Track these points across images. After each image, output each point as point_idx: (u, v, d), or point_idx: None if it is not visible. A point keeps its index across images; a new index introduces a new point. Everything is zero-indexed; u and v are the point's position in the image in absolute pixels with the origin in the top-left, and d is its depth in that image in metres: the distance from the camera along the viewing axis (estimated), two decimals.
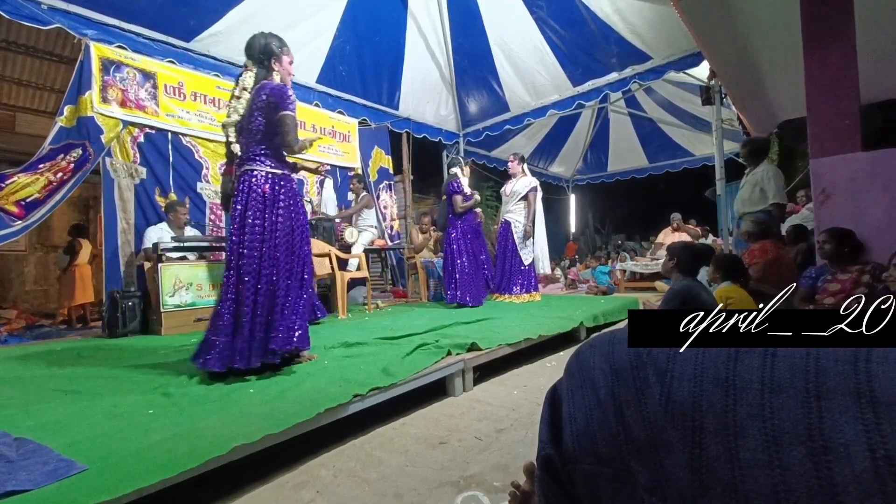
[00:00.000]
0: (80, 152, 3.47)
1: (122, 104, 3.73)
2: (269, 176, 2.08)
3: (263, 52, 2.11)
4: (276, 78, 2.15)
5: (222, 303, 1.97)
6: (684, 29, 3.33)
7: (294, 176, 2.21)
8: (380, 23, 4.98)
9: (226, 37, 4.21)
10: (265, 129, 2.07)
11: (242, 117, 2.12)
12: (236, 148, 2.13)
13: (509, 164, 5.11)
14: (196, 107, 4.22)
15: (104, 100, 3.63)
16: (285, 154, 2.16)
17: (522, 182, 4.95)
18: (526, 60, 5.30)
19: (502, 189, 5.18)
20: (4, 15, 3.12)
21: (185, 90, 4.15)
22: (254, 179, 2.05)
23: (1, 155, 5.65)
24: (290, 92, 2.07)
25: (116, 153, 3.74)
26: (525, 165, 5.15)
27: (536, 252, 5.04)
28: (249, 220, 2.00)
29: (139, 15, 3.75)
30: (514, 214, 4.93)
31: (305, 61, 4.83)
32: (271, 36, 2.15)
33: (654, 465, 0.37)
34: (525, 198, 4.91)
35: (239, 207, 2.03)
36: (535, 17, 4.81)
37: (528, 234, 4.91)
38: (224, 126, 2.16)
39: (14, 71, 5.18)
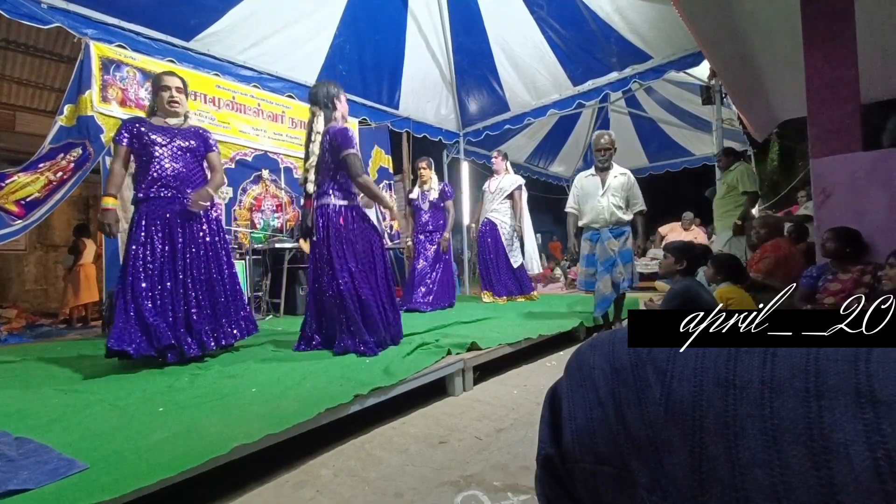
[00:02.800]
0: (81, 151, 3.47)
1: (122, 103, 3.73)
2: (340, 208, 2.48)
3: (327, 96, 2.52)
4: (338, 115, 2.55)
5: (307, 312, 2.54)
6: (685, 28, 3.33)
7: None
8: (380, 22, 4.98)
9: (226, 36, 4.20)
10: (334, 166, 2.46)
11: (318, 157, 2.48)
12: (310, 187, 2.50)
13: (493, 160, 4.95)
14: (196, 106, 4.22)
15: (104, 99, 3.63)
16: (354, 187, 2.54)
17: (508, 179, 4.80)
18: (526, 60, 5.30)
19: (485, 186, 5.01)
20: (4, 14, 3.11)
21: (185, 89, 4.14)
22: (329, 212, 2.46)
23: (1, 154, 5.65)
24: (351, 133, 2.47)
25: None
26: (508, 163, 5.05)
27: (527, 252, 4.93)
28: (332, 245, 2.41)
29: (139, 14, 3.75)
30: (499, 214, 4.77)
31: (305, 60, 4.83)
32: (329, 83, 2.58)
33: (654, 464, 0.37)
34: (510, 196, 4.79)
35: (321, 235, 2.45)
36: (535, 16, 4.80)
37: (519, 233, 4.79)
38: (307, 169, 2.50)
39: (14, 70, 5.18)
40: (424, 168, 4.62)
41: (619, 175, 3.34)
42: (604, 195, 3.32)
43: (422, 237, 4.62)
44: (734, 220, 4.11)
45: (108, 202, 2.33)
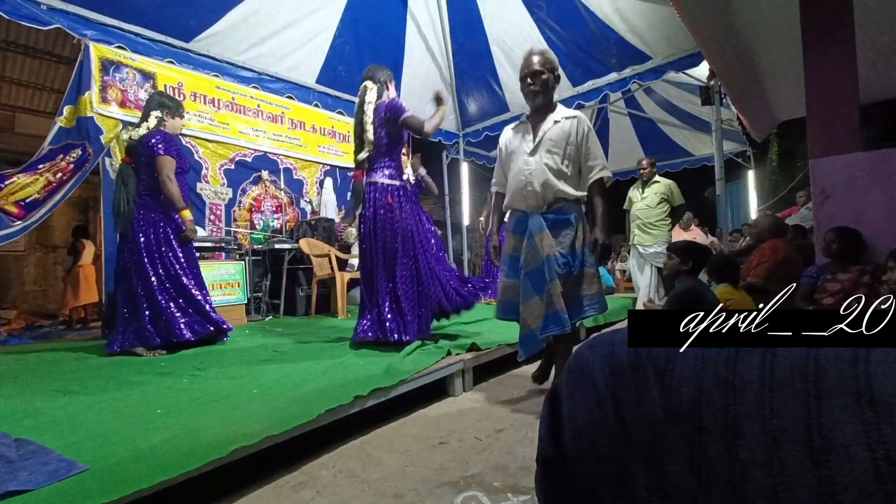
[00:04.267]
0: (80, 152, 3.47)
1: (122, 104, 3.73)
2: (390, 187, 2.49)
3: (385, 75, 2.61)
4: (386, 95, 2.61)
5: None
6: (684, 29, 3.33)
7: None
8: (380, 22, 4.98)
9: (225, 37, 4.20)
10: (388, 142, 2.51)
11: (373, 134, 2.51)
12: (362, 156, 2.53)
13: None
14: (195, 107, 4.22)
15: (104, 100, 3.63)
16: (403, 165, 2.63)
17: None
18: None
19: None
20: (4, 15, 3.11)
21: (185, 90, 4.14)
22: (378, 191, 2.47)
23: (0, 155, 5.64)
24: (399, 101, 2.55)
25: (116, 154, 3.74)
26: None
27: None
28: (379, 225, 2.45)
29: (138, 15, 3.75)
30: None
31: (305, 61, 4.83)
32: (385, 68, 2.66)
33: (654, 464, 0.37)
34: None
35: (369, 214, 2.47)
36: (534, 17, 4.81)
37: None
38: (361, 142, 2.54)
39: (13, 71, 5.18)
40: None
41: (564, 119, 1.97)
42: (534, 152, 1.97)
43: None
44: (667, 230, 4.36)
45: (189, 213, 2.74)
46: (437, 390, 2.17)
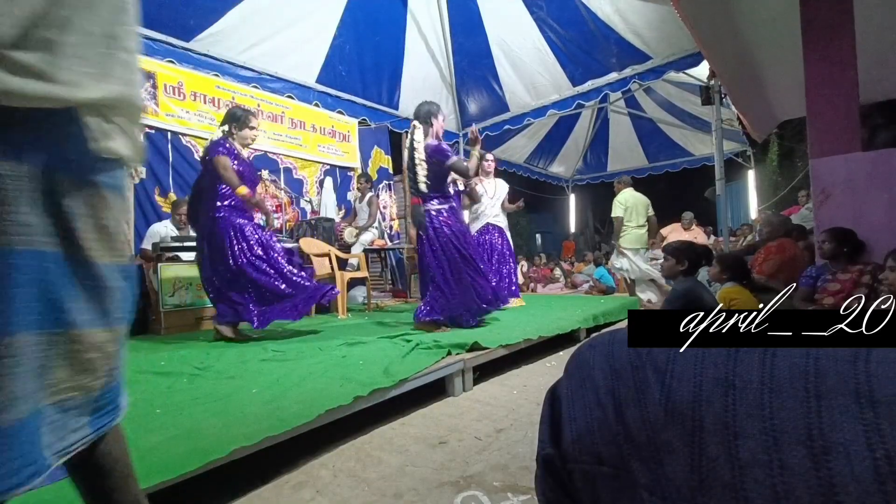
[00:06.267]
0: None
1: None
2: (441, 210, 3.00)
3: (427, 114, 2.97)
4: (433, 131, 2.98)
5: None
6: (684, 29, 3.33)
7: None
8: (380, 22, 4.98)
9: (225, 36, 4.21)
10: (433, 178, 2.95)
11: (426, 167, 2.90)
12: (422, 187, 2.94)
13: (489, 163, 4.91)
14: (196, 106, 4.22)
15: None
16: (450, 188, 3.10)
17: (501, 185, 4.73)
18: (526, 60, 5.30)
19: (480, 190, 5.01)
20: None
21: (185, 90, 4.15)
22: (434, 215, 2.98)
23: None
24: (444, 145, 2.98)
25: None
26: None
27: None
28: (440, 239, 2.96)
29: (138, 14, 3.75)
30: (501, 217, 4.68)
31: (305, 61, 4.83)
32: (430, 103, 3.02)
33: (654, 464, 0.37)
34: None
35: (431, 231, 2.97)
36: (534, 17, 4.81)
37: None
38: (415, 171, 2.93)
39: None
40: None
41: None
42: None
43: None
44: (624, 240, 4.93)
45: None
46: (437, 390, 2.17)
